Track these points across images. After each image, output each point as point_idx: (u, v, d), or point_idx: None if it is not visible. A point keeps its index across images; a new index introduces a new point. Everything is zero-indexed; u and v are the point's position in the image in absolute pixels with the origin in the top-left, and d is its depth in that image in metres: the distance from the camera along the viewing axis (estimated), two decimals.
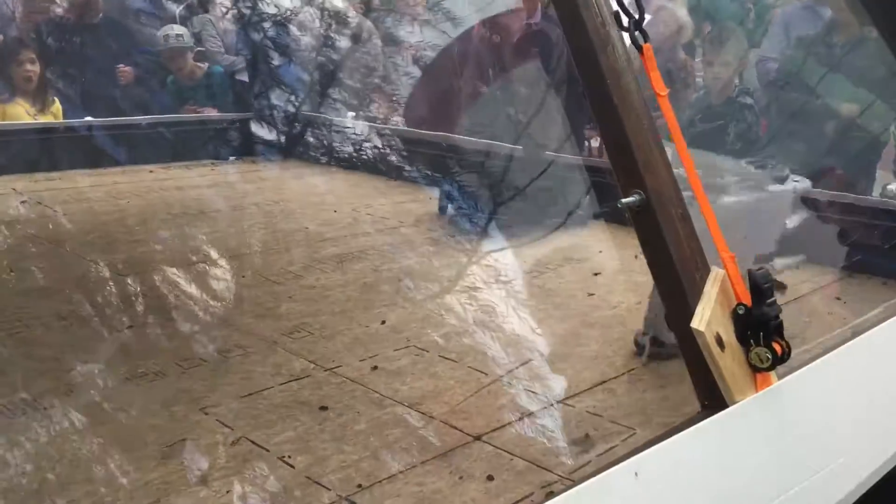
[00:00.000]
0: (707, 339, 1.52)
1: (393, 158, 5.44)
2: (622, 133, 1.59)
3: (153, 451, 1.91)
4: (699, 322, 1.53)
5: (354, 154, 5.60)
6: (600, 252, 3.48)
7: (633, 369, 2.39)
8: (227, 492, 1.76)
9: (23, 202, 4.14)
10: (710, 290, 1.58)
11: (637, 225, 1.62)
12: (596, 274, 3.25)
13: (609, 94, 1.60)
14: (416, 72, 6.20)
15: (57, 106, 5.13)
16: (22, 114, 4.91)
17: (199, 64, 5.82)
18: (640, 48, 1.65)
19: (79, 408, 2.10)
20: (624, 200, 1.59)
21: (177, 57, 5.68)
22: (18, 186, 4.45)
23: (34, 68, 4.94)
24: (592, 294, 3.03)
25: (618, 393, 2.25)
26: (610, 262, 3.34)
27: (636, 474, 1.34)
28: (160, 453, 1.90)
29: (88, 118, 5.23)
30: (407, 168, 5.32)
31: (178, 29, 5.73)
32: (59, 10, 5.62)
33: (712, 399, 1.55)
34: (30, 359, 2.40)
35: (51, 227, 3.82)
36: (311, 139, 5.93)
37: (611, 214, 3.53)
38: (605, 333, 2.69)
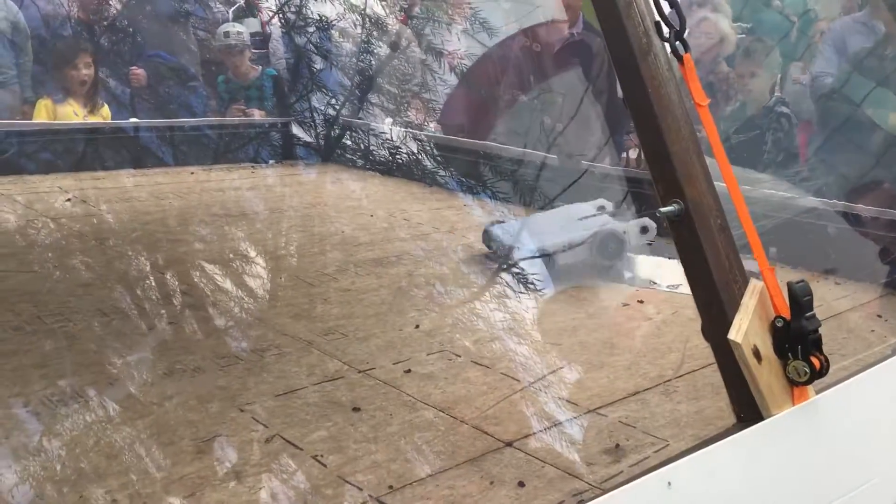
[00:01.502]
0: (744, 350, 1.50)
1: (429, 164, 5.47)
2: (662, 142, 1.59)
3: (189, 446, 1.94)
4: (736, 333, 1.51)
5: (391, 159, 5.65)
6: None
7: (667, 381, 2.37)
8: (261, 488, 1.79)
9: (68, 200, 4.24)
10: (749, 302, 1.57)
11: (675, 234, 1.61)
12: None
13: (650, 102, 1.60)
14: (454, 80, 6.22)
15: (105, 109, 5.24)
16: (71, 115, 5.02)
17: (253, 66, 5.89)
18: (680, 58, 1.65)
19: (118, 401, 2.15)
20: (663, 210, 1.59)
21: (235, 55, 5.74)
22: (65, 185, 4.56)
23: (89, 72, 5.05)
24: (627, 304, 3.02)
25: (651, 404, 2.23)
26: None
27: (669, 484, 1.33)
28: (196, 448, 1.93)
29: (134, 119, 5.34)
30: (442, 174, 5.35)
31: (238, 27, 5.79)
32: (112, 12, 5.73)
33: (748, 411, 1.54)
34: (72, 352, 2.46)
35: (95, 224, 3.90)
36: (350, 143, 5.99)
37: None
38: (639, 344, 2.67)
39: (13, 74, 5.18)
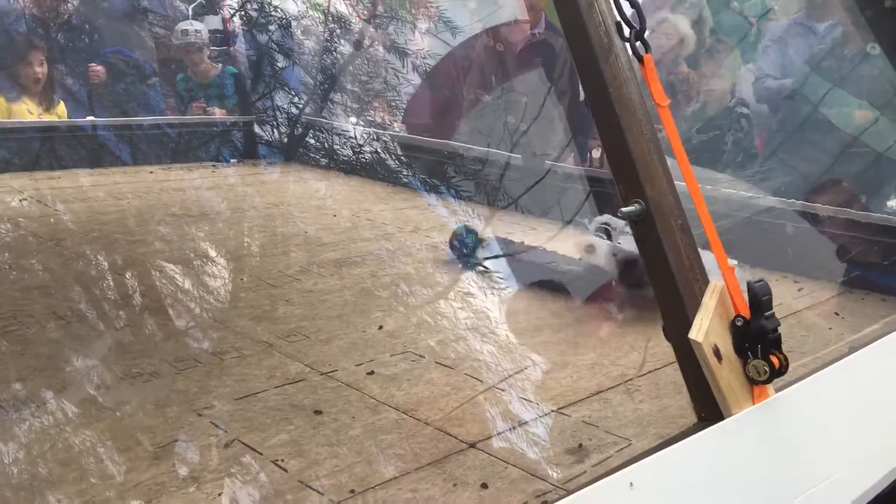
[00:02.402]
0: (705, 350, 1.51)
1: (392, 164, 5.45)
2: (623, 142, 1.59)
3: (146, 452, 1.90)
4: (697, 333, 1.52)
5: (355, 158, 5.61)
6: None
7: (629, 380, 2.38)
8: (219, 494, 1.76)
9: (22, 200, 4.14)
10: (709, 302, 1.58)
11: (637, 234, 1.62)
12: None
13: (611, 102, 1.60)
14: (417, 79, 6.21)
15: (61, 107, 5.13)
16: (25, 112, 4.91)
17: (213, 63, 5.82)
18: (640, 59, 1.65)
19: (72, 405, 2.10)
20: (624, 210, 1.59)
21: (194, 53, 5.67)
22: (19, 184, 4.45)
23: (42, 69, 4.95)
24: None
25: (613, 403, 2.24)
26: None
27: (631, 484, 1.33)
28: (153, 454, 1.89)
29: (90, 118, 5.24)
30: (406, 174, 5.33)
31: (196, 24, 5.72)
32: (68, 8, 5.61)
33: (709, 411, 1.55)
34: (25, 356, 2.39)
35: (50, 224, 3.82)
36: (313, 143, 5.94)
37: None
38: (602, 343, 2.68)
39: None
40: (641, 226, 1.60)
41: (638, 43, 1.64)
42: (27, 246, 3.45)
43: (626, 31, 1.65)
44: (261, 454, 1.92)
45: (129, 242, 3.57)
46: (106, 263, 3.24)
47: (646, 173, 1.59)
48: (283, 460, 1.89)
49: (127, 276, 3.09)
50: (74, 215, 3.98)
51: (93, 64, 5.51)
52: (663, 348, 2.41)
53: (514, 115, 4.63)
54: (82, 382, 2.23)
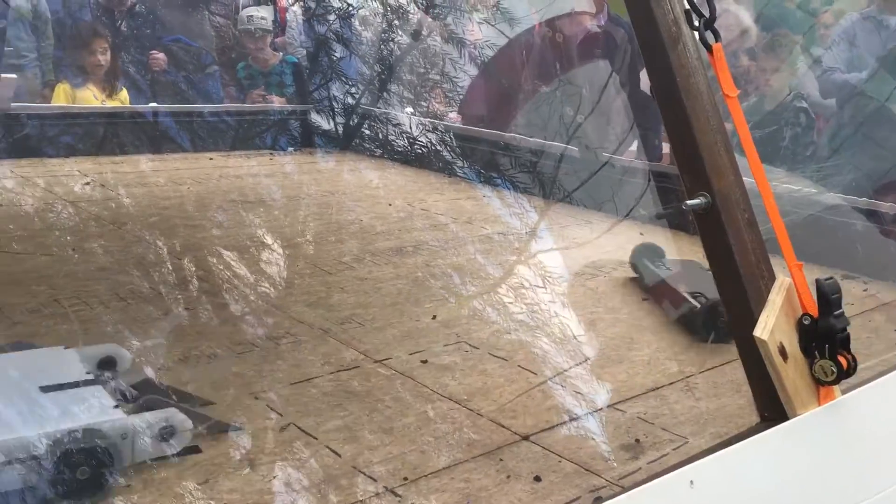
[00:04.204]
0: (770, 348, 1.47)
1: (447, 155, 5.44)
2: (690, 133, 1.55)
3: (203, 433, 1.93)
4: (762, 331, 1.48)
5: (410, 149, 5.62)
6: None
7: (688, 376, 2.34)
8: (274, 476, 1.78)
9: (87, 184, 4.24)
10: (775, 299, 1.53)
11: (701, 229, 1.58)
12: None
13: (678, 92, 1.56)
14: (474, 70, 6.19)
15: (124, 94, 5.24)
16: (90, 99, 5.03)
17: (274, 52, 5.86)
18: (709, 48, 1.61)
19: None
20: (689, 202, 1.55)
21: (256, 40, 5.70)
22: (84, 168, 4.57)
23: (105, 57, 5.06)
24: (647, 299, 2.98)
25: (670, 400, 2.20)
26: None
27: (691, 483, 1.30)
28: (211, 435, 1.92)
29: (153, 104, 5.34)
30: (461, 165, 5.32)
31: (262, 11, 5.75)
32: None
33: (773, 411, 1.50)
34: (88, 336, 2.45)
35: (112, 209, 3.90)
36: (368, 132, 5.97)
37: (674, 218, 3.45)
38: (659, 340, 2.64)
39: (33, 58, 5.19)
40: (706, 219, 1.56)
41: (707, 32, 1.60)
42: (90, 229, 3.53)
43: (696, 19, 1.60)
44: (315, 438, 1.93)
45: (188, 227, 3.63)
46: (165, 248, 3.31)
47: (712, 165, 1.55)
48: (337, 445, 1.90)
49: (186, 261, 3.15)
50: (135, 200, 4.07)
51: (154, 52, 5.61)
52: (721, 346, 2.37)
53: (571, 106, 4.58)
54: (143, 363, 2.27)
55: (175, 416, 1.82)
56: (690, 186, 1.57)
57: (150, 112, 5.29)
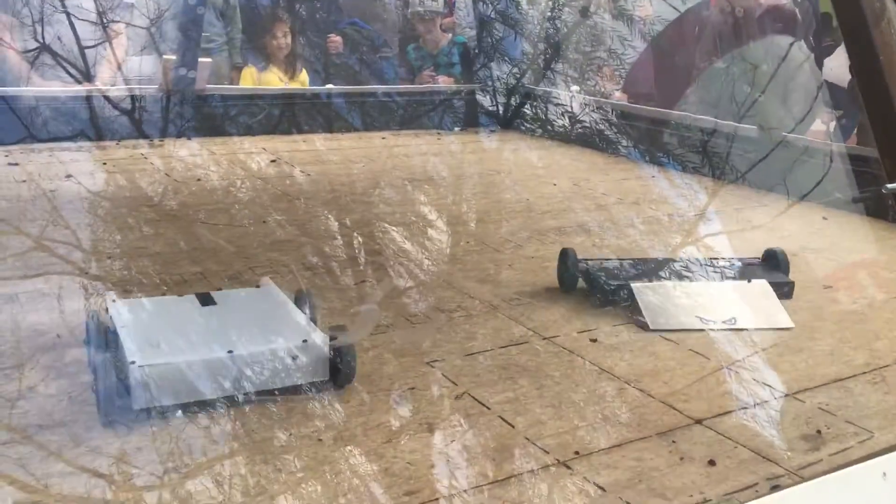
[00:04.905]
0: None
1: (612, 134, 5.37)
2: (893, 114, 1.48)
3: (385, 397, 2.05)
4: None
5: (573, 128, 5.59)
6: (846, 243, 3.24)
7: (876, 369, 2.22)
8: (452, 441, 1.86)
9: (273, 161, 4.54)
10: None
11: None
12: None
13: (880, 70, 1.49)
14: (642, 46, 6.04)
15: (304, 75, 5.55)
16: (275, 80, 5.36)
17: (444, 33, 6.00)
18: None
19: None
20: (889, 186, 1.48)
21: (427, 22, 5.86)
22: (267, 146, 4.89)
23: (286, 40, 5.37)
24: (829, 287, 2.85)
25: (855, 392, 2.11)
26: (852, 255, 3.11)
27: (884, 475, 1.26)
28: (390, 399, 2.04)
29: (329, 85, 5.62)
30: (626, 144, 5.24)
31: None
32: None
33: None
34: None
35: (296, 184, 4.16)
36: (531, 112, 5.99)
37: (871, 203, 3.26)
38: (843, 330, 2.52)
39: (222, 42, 5.59)
40: None
41: None
42: (275, 203, 3.79)
43: None
44: (488, 409, 2.01)
45: (363, 203, 3.82)
46: (343, 222, 3.49)
47: None
48: (509, 417, 1.97)
49: (360, 235, 3.32)
50: (314, 176, 4.31)
51: (331, 35, 5.88)
52: None
53: (747, 84, 4.40)
54: (324, 330, 2.43)
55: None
56: (891, 170, 1.50)
57: (325, 93, 5.57)
